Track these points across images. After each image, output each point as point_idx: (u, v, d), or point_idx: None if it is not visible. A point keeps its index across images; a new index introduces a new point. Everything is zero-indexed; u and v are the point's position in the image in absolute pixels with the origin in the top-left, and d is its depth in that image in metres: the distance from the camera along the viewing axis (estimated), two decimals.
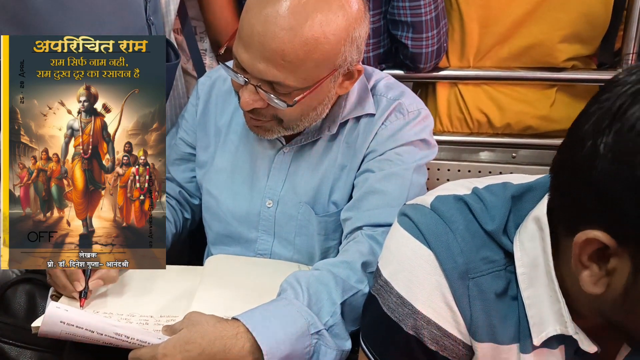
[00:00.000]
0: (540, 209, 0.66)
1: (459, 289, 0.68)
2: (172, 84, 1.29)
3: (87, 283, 0.92)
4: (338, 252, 1.04)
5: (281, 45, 0.88)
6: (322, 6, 0.89)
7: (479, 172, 1.44)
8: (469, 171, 1.45)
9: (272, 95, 0.93)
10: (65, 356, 0.87)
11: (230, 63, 1.00)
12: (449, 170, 1.45)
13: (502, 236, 0.69)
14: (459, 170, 1.45)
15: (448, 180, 1.45)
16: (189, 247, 1.37)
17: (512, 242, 0.69)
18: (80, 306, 0.90)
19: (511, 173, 1.40)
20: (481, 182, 0.77)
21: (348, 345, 0.85)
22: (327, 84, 0.96)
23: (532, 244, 0.66)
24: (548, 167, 1.38)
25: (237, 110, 1.13)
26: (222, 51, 1.00)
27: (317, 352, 0.82)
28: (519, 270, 0.67)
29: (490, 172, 1.43)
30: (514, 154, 1.44)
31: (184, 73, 1.45)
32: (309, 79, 0.93)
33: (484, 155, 1.46)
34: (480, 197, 0.73)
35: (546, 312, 0.65)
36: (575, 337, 0.64)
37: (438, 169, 1.45)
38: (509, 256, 0.69)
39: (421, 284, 0.70)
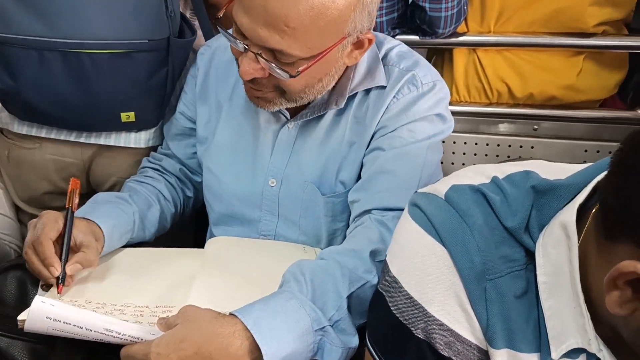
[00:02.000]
0: (569, 215, 0.58)
1: (476, 291, 0.62)
2: (186, 61, 1.22)
3: (63, 268, 0.86)
4: (346, 234, 0.98)
5: (285, 10, 0.80)
6: None
7: (498, 145, 1.36)
8: (487, 144, 1.37)
9: (273, 65, 0.85)
10: (58, 349, 0.82)
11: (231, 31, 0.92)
12: (465, 143, 1.37)
13: (523, 234, 0.62)
14: (476, 144, 1.37)
15: (464, 154, 1.38)
16: (196, 227, 1.32)
17: (533, 242, 0.62)
18: (58, 293, 0.85)
19: (532, 148, 1.33)
20: (501, 170, 0.69)
21: (355, 341, 0.79)
22: (335, 54, 0.88)
23: (556, 250, 0.59)
24: (571, 141, 1.34)
25: (239, 81, 1.05)
26: (220, 14, 0.92)
27: (321, 349, 0.76)
28: (540, 279, 0.60)
29: (509, 146, 1.35)
30: (535, 126, 1.36)
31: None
32: (315, 48, 0.85)
33: (504, 127, 1.37)
34: (501, 187, 0.65)
35: (568, 324, 0.58)
36: (599, 355, 0.57)
37: (454, 142, 1.37)
38: (530, 254, 0.62)
39: (433, 284, 0.64)
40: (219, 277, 0.92)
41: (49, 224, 0.88)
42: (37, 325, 0.74)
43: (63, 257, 0.87)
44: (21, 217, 1.33)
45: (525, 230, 0.62)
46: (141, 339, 0.75)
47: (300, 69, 0.86)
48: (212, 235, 1.13)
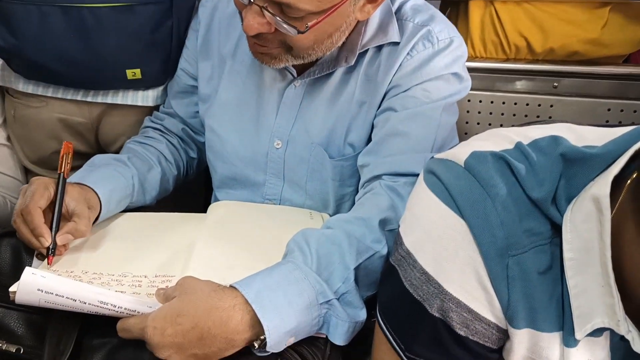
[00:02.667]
0: (602, 188, 0.53)
1: (497, 267, 0.57)
2: (192, 14, 1.16)
3: (54, 238, 0.82)
4: (355, 200, 0.93)
5: None
6: None
7: (515, 103, 1.29)
8: (504, 102, 1.30)
9: (280, 19, 0.78)
10: (54, 319, 0.79)
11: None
12: (480, 101, 1.30)
13: (550, 206, 0.56)
14: (491, 102, 1.30)
15: (479, 113, 1.31)
16: (206, 190, 1.28)
17: (561, 214, 0.56)
18: (48, 264, 0.81)
19: (551, 106, 1.26)
20: (526, 135, 0.63)
21: (362, 315, 0.75)
22: (346, 8, 0.82)
23: (586, 225, 0.53)
24: (593, 99, 1.26)
25: (243, 36, 0.98)
26: None
27: (327, 323, 0.72)
28: (566, 255, 0.55)
29: (527, 105, 1.28)
30: (555, 84, 1.28)
31: None
32: (325, 2, 0.78)
33: (521, 84, 1.29)
34: (526, 155, 0.59)
35: (595, 303, 0.54)
36: (627, 337, 0.53)
37: (468, 100, 1.30)
38: (555, 227, 0.57)
39: (451, 259, 0.59)
40: (220, 245, 0.87)
41: (38, 191, 0.84)
42: (28, 298, 0.70)
43: (54, 226, 0.83)
44: (29, 178, 1.30)
45: (552, 202, 0.57)
46: (137, 312, 0.71)
47: (309, 24, 0.79)
48: (216, 199, 1.09)
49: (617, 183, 0.53)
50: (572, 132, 0.63)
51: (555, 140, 0.60)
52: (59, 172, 0.87)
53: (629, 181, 0.53)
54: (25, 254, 0.89)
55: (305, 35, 0.81)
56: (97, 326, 0.77)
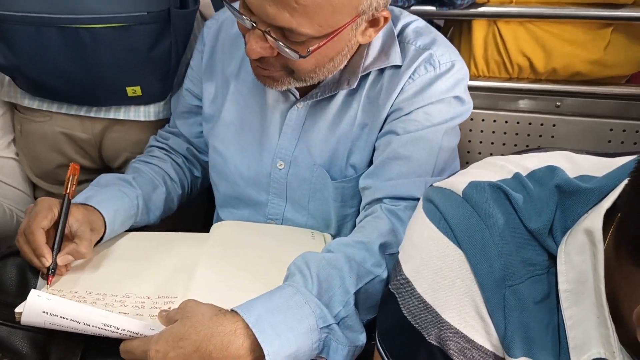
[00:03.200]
0: (595, 221, 0.53)
1: (494, 297, 0.58)
2: (191, 33, 1.19)
3: (54, 258, 0.84)
4: (356, 221, 0.94)
5: None
6: None
7: (517, 122, 1.30)
8: (506, 122, 1.30)
9: (282, 44, 0.80)
10: (58, 339, 0.80)
11: (237, 4, 0.86)
12: (483, 120, 1.31)
13: (547, 237, 0.57)
14: (494, 121, 1.30)
15: (482, 132, 1.32)
16: (207, 208, 1.29)
17: (557, 245, 0.57)
18: (48, 284, 0.83)
19: (554, 126, 1.27)
20: (523, 165, 0.63)
21: (362, 339, 0.75)
22: (348, 32, 0.83)
23: (580, 257, 0.54)
24: (595, 119, 1.27)
25: (247, 57, 0.99)
26: None
27: (327, 347, 0.73)
28: (561, 287, 0.56)
29: (530, 124, 1.28)
30: (557, 103, 1.28)
31: (202, 18, 1.32)
32: (327, 27, 0.79)
33: (524, 103, 1.30)
34: (524, 185, 0.60)
35: (591, 334, 0.54)
36: None
37: (471, 119, 1.31)
38: (552, 257, 0.58)
39: (448, 288, 0.60)
40: (222, 265, 0.88)
41: (42, 211, 0.86)
42: (33, 319, 0.72)
43: (55, 246, 0.85)
44: (37, 195, 1.34)
45: (549, 233, 0.58)
46: (140, 334, 0.73)
47: (311, 48, 0.80)
48: (219, 218, 1.10)
49: (610, 216, 0.54)
50: (568, 161, 0.63)
51: (552, 171, 0.61)
52: (64, 192, 0.89)
53: (619, 214, 0.54)
54: (30, 273, 0.90)
55: (307, 59, 0.82)
56: (100, 347, 0.78)
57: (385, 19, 0.85)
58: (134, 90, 1.15)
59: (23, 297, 0.77)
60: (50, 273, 0.83)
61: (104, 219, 0.92)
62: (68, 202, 0.88)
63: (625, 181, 0.53)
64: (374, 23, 0.85)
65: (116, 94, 1.16)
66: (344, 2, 0.77)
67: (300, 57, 0.81)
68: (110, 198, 0.96)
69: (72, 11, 1.05)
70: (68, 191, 0.89)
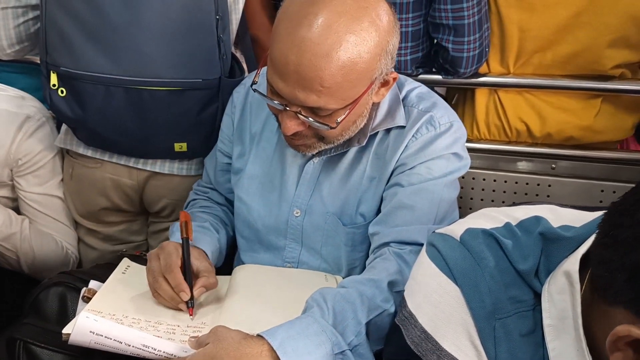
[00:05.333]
0: (572, 264, 0.63)
1: (485, 329, 0.66)
2: None
3: (192, 292, 0.94)
4: (365, 264, 1.03)
5: (318, 72, 0.87)
6: (353, 27, 0.87)
7: (516, 182, 1.40)
8: (505, 181, 1.41)
9: (313, 119, 0.93)
10: None
11: (262, 88, 0.99)
12: (484, 179, 1.41)
13: (533, 278, 0.67)
14: (494, 180, 1.41)
15: (483, 190, 1.42)
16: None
17: (542, 285, 0.66)
18: (190, 315, 0.94)
19: (549, 186, 1.37)
20: (513, 216, 0.74)
21: None
22: (366, 97, 0.95)
23: (561, 297, 0.63)
24: (588, 181, 1.37)
25: (270, 116, 1.12)
26: (257, 80, 1.01)
27: None
28: (545, 322, 0.65)
29: (527, 184, 1.39)
30: (553, 165, 1.39)
31: None
32: (349, 98, 0.92)
33: (522, 165, 1.41)
34: (513, 232, 0.70)
35: None
36: None
37: (473, 178, 1.41)
38: (538, 297, 0.67)
39: (447, 320, 0.69)
40: (245, 302, 0.98)
41: (174, 253, 0.97)
42: (81, 339, 0.80)
43: (188, 282, 0.95)
44: (78, 231, 1.46)
45: (535, 275, 0.67)
46: (174, 356, 0.81)
47: (339, 119, 0.93)
48: (240, 260, 1.20)
49: (586, 261, 0.64)
50: (552, 212, 0.74)
51: (537, 220, 0.71)
52: (182, 237, 1.01)
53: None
54: (69, 302, 0.99)
55: (335, 128, 0.94)
56: None
57: (394, 78, 0.98)
58: (180, 146, 1.28)
59: (63, 324, 0.87)
60: (190, 306, 0.94)
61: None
62: (188, 244, 1.00)
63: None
64: (384, 84, 0.98)
65: (165, 148, 1.30)
66: (360, 77, 0.90)
67: (331, 128, 0.93)
68: (210, 241, 1.09)
69: (138, 74, 1.19)
70: (186, 235, 1.01)
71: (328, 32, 0.86)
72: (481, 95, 1.42)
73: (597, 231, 0.61)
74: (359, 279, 0.93)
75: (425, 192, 1.00)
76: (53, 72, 1.21)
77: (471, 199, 1.43)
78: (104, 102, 1.21)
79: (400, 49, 1.33)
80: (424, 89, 1.10)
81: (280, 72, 0.90)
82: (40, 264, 1.34)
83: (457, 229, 0.73)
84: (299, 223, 1.11)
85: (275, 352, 0.77)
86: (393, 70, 0.97)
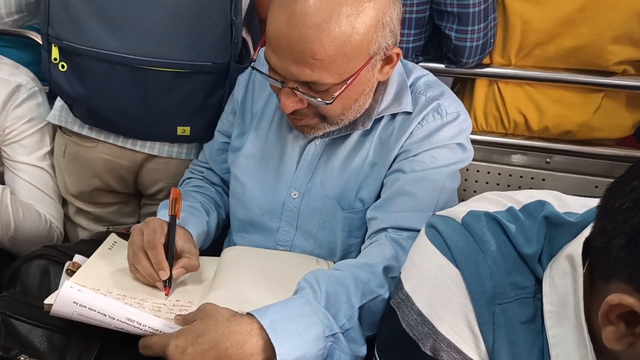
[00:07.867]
0: (575, 247, 0.62)
1: (484, 314, 0.65)
2: None
3: (171, 272, 0.91)
4: (360, 250, 1.02)
5: (309, 44, 0.85)
6: None
7: (510, 175, 1.39)
8: (499, 174, 1.40)
9: (309, 95, 0.91)
10: (75, 336, 0.85)
11: (263, 67, 0.98)
12: (478, 171, 1.40)
13: (536, 263, 0.65)
14: (488, 172, 1.40)
15: (476, 182, 1.41)
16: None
17: (544, 270, 0.65)
18: (166, 295, 0.91)
19: (543, 180, 1.36)
20: (517, 200, 0.72)
21: (363, 351, 0.82)
22: (366, 74, 0.93)
23: (563, 281, 0.62)
24: (582, 176, 1.36)
25: (272, 96, 1.10)
26: (255, 57, 1.00)
27: (330, 356, 0.80)
28: (546, 308, 0.63)
29: (521, 177, 1.38)
30: (548, 159, 1.38)
31: None
32: (345, 73, 0.90)
33: (517, 158, 1.40)
34: (516, 216, 0.69)
35: (572, 353, 0.61)
36: None
37: (467, 170, 1.40)
38: (540, 283, 0.65)
39: (445, 304, 0.67)
40: (234, 282, 0.95)
41: (159, 230, 0.94)
42: (63, 310, 0.77)
43: (169, 261, 0.92)
44: (66, 210, 1.42)
45: (539, 260, 0.65)
46: (160, 332, 0.78)
47: (335, 94, 0.91)
48: (232, 241, 1.17)
49: (588, 245, 0.62)
50: (556, 199, 0.72)
51: (542, 204, 0.70)
52: (170, 214, 0.97)
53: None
54: (52, 275, 0.96)
55: (334, 104, 0.92)
56: (115, 343, 0.83)
57: (397, 55, 0.96)
58: (183, 130, 1.25)
59: (43, 298, 0.84)
60: (167, 285, 0.91)
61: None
62: (174, 222, 0.97)
63: None
64: (388, 61, 0.95)
65: (167, 132, 1.26)
66: (355, 50, 0.88)
67: (327, 103, 0.91)
68: (197, 223, 1.06)
69: (145, 54, 1.15)
70: (174, 213, 0.98)
71: (320, 3, 0.85)
72: (481, 85, 1.41)
73: (598, 205, 0.60)
74: (354, 263, 0.91)
75: (428, 180, 0.98)
76: (55, 46, 1.16)
77: (464, 190, 1.42)
78: (107, 80, 1.17)
79: (402, 35, 1.32)
80: (432, 77, 1.08)
81: (273, 46, 0.89)
82: (22, 237, 1.29)
83: (459, 211, 0.72)
84: (295, 205, 1.08)
85: (265, 331, 0.75)
86: (395, 46, 0.95)
